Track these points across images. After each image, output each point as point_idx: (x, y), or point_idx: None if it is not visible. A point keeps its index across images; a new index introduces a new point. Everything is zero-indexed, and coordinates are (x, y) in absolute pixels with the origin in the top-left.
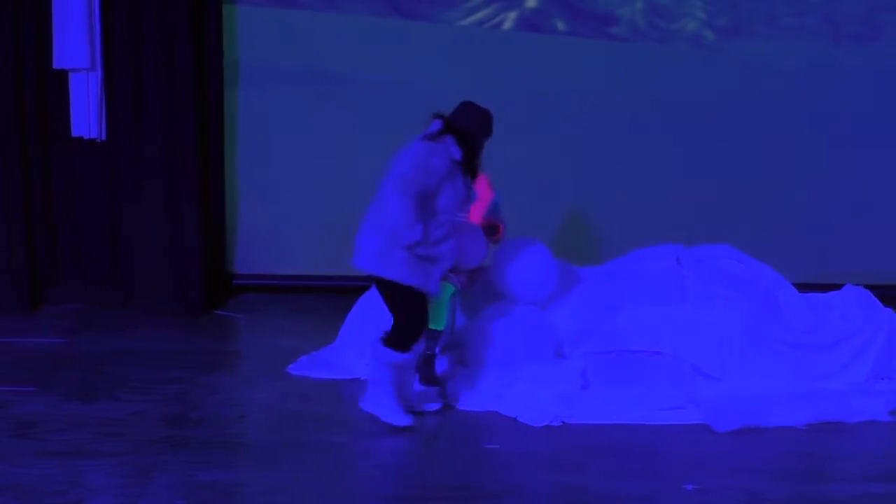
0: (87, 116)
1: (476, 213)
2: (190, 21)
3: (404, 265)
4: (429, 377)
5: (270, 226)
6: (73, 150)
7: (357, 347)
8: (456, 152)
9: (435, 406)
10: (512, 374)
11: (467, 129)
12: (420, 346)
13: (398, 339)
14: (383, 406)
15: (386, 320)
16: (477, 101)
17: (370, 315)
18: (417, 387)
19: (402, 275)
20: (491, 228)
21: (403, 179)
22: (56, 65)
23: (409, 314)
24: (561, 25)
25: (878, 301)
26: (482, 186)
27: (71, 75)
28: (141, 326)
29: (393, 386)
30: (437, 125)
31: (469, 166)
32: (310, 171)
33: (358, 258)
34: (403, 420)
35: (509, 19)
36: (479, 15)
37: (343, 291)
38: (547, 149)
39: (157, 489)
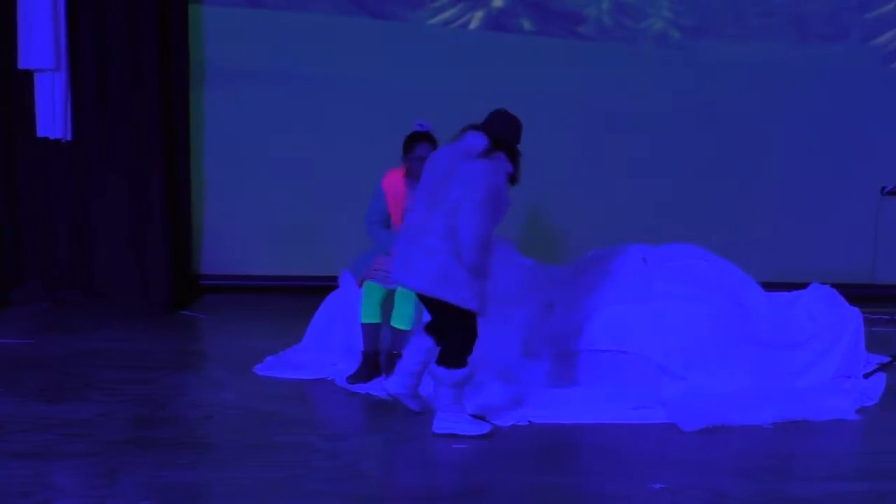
0: (52, 117)
1: None
2: (156, 21)
3: (466, 287)
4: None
5: (236, 226)
6: (38, 151)
7: (323, 347)
8: (508, 167)
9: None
10: (479, 373)
11: (511, 141)
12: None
13: (455, 356)
14: (459, 423)
15: (354, 319)
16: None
17: (336, 315)
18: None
19: (463, 298)
20: None
21: (478, 203)
22: (21, 65)
23: (464, 331)
24: (527, 25)
25: (844, 300)
26: None
27: (36, 76)
28: (107, 327)
29: (461, 402)
30: (482, 140)
31: (515, 178)
32: (276, 172)
33: (412, 279)
34: (483, 427)
35: (476, 19)
36: (446, 14)
37: (309, 291)
38: None
39: (124, 490)
